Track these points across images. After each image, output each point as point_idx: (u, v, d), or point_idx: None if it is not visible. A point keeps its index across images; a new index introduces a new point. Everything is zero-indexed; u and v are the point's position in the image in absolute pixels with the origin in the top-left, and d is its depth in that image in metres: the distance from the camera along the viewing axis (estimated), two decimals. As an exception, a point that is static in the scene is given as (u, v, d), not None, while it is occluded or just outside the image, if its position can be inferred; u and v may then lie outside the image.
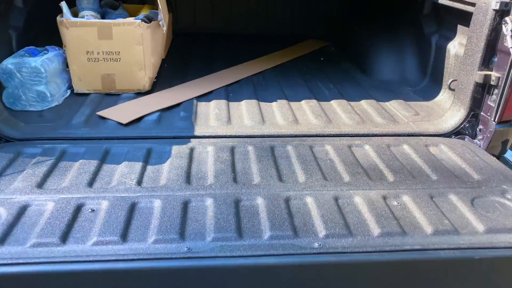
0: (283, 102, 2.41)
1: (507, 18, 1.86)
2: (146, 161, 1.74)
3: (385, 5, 3.25)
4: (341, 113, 2.29)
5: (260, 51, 3.38)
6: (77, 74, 2.39)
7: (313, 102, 2.42)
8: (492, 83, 1.96)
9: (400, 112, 2.33)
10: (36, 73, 2.16)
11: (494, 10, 1.89)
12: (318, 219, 1.40)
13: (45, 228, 1.31)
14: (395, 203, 1.52)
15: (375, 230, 1.36)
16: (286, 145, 1.92)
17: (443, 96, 2.47)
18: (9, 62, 2.14)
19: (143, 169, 1.68)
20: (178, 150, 1.83)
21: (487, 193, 1.60)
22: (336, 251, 1.27)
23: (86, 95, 2.41)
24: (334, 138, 2.01)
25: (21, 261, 1.19)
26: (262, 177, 1.65)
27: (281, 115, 2.23)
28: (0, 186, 1.52)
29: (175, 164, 1.72)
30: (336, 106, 2.39)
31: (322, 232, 1.34)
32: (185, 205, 1.46)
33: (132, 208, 1.44)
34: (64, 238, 1.28)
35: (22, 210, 1.40)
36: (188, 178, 1.63)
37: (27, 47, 2.36)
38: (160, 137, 1.96)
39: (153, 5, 2.81)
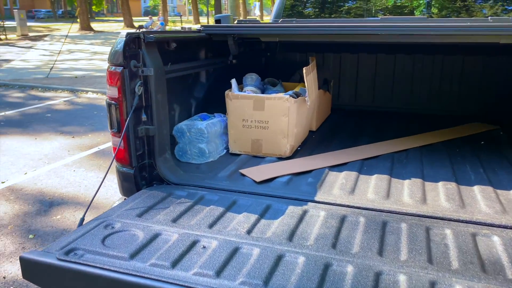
0: (417, 181, 2.33)
1: None
2: (261, 215, 1.94)
3: None
4: (481, 199, 2.09)
5: (415, 130, 3.34)
6: (233, 137, 2.83)
7: (452, 184, 2.28)
8: None
9: (559, 209, 1.98)
10: (201, 134, 2.66)
11: None
12: (403, 299, 1.34)
13: (164, 254, 1.62)
14: (505, 303, 1.33)
15: None
16: (401, 222, 1.87)
17: None
18: (183, 124, 2.71)
19: (257, 221, 1.88)
20: (292, 210, 1.98)
21: None
22: None
23: (237, 155, 2.82)
24: (460, 223, 1.86)
25: (138, 274, 1.50)
26: (362, 248, 1.66)
27: (409, 193, 2.17)
28: (148, 216, 1.94)
29: (285, 222, 1.87)
30: (478, 192, 2.18)
31: None
32: (279, 258, 1.59)
33: (234, 251, 1.64)
34: (174, 264, 1.56)
35: (154, 237, 1.75)
36: (291, 236, 1.76)
37: (201, 113, 2.95)
38: (282, 196, 2.15)
39: (308, 83, 3.15)
